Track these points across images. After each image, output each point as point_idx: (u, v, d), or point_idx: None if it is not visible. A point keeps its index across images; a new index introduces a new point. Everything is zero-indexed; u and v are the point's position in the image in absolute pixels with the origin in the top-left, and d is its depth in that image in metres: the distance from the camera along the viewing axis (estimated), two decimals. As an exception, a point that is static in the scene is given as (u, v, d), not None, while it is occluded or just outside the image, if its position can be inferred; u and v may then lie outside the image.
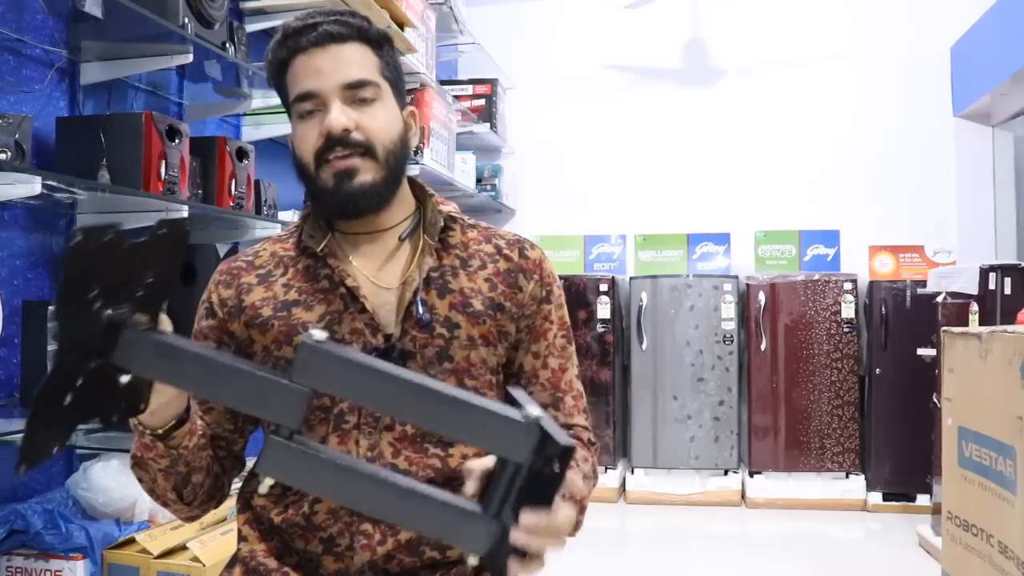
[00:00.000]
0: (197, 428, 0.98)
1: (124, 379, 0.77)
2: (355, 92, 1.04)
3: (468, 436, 0.77)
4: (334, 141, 1.03)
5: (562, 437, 0.72)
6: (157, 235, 0.77)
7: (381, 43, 1.08)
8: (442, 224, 1.12)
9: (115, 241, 0.71)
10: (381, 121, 1.05)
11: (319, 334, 0.72)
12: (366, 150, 1.04)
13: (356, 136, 1.03)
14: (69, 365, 0.70)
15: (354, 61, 1.05)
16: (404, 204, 1.13)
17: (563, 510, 0.78)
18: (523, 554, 0.76)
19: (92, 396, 0.74)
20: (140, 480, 1.04)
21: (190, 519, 1.11)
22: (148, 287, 0.76)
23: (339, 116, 1.02)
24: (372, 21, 1.08)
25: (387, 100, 1.07)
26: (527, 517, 0.74)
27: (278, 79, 1.08)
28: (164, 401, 0.85)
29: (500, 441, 0.74)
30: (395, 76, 1.10)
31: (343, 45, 1.04)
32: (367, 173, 1.04)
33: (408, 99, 1.16)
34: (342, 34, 1.04)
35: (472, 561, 0.79)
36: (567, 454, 0.73)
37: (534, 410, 0.73)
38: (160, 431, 0.91)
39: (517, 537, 0.74)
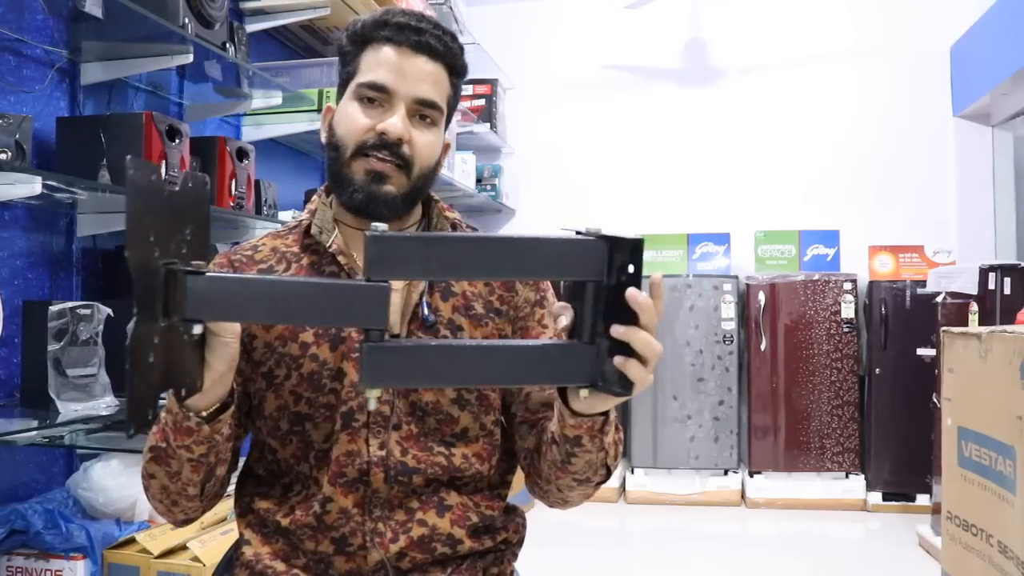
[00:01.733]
0: (229, 418, 0.98)
1: (197, 330, 0.77)
2: (422, 109, 1.06)
3: (544, 270, 0.78)
4: (383, 143, 1.04)
5: (628, 235, 0.74)
6: (187, 186, 0.76)
7: (460, 75, 1.12)
8: (448, 230, 1.15)
9: (159, 184, 0.71)
10: (428, 143, 1.08)
11: (380, 225, 0.72)
12: (404, 163, 1.06)
13: (404, 149, 1.05)
14: (146, 321, 0.70)
15: (435, 80, 1.07)
16: (413, 209, 1.15)
17: (649, 309, 0.79)
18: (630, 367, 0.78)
19: (170, 358, 0.74)
20: (153, 476, 1.00)
21: (187, 522, 1.08)
22: (188, 244, 0.76)
23: (398, 123, 1.04)
24: (464, 51, 1.11)
25: (439, 126, 1.10)
26: (617, 328, 0.77)
27: (354, 48, 1.09)
28: (216, 377, 0.85)
29: (574, 265, 0.75)
30: (452, 106, 1.13)
31: (433, 62, 1.06)
32: (394, 185, 1.06)
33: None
34: (438, 51, 1.06)
35: (583, 394, 0.81)
36: (637, 249, 0.75)
37: (593, 226, 0.75)
38: (205, 413, 0.92)
39: (617, 337, 0.76)
